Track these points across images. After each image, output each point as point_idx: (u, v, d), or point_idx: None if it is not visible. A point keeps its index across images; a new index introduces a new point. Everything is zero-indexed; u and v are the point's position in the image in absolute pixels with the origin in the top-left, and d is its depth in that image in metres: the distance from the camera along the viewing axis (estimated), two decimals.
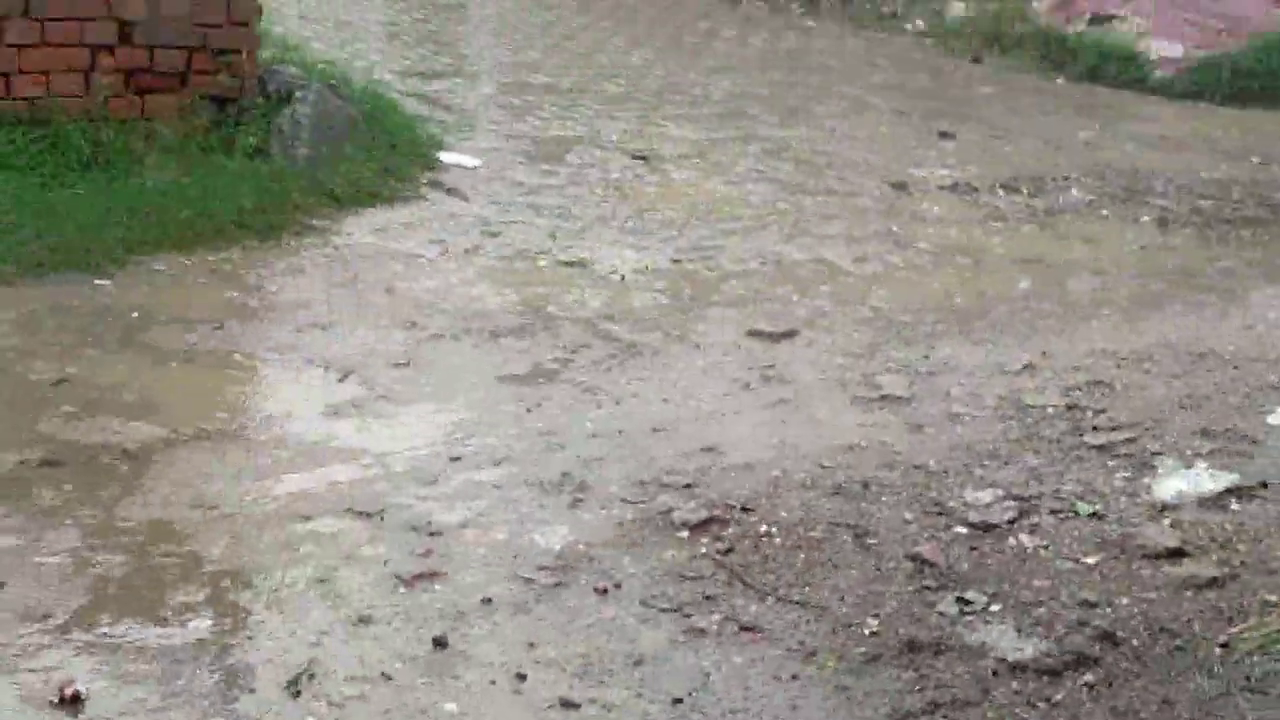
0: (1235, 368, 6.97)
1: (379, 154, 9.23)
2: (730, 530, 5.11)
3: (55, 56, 8.16)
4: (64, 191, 7.79)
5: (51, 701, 3.95)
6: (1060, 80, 15.89)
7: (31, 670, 4.10)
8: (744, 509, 5.27)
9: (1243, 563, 4.94)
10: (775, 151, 11.06)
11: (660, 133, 11.26)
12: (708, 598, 4.67)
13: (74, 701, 3.96)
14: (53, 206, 7.60)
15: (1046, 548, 5.04)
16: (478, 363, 6.60)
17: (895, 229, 9.36)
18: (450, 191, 9.15)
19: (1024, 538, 5.11)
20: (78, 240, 7.35)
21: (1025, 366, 6.90)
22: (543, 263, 8.09)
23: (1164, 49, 15.80)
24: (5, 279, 6.96)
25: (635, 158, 10.34)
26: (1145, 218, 10.18)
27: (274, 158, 8.66)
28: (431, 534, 4.99)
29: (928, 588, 4.75)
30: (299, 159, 8.71)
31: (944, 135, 12.15)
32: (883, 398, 6.45)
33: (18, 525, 4.88)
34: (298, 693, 4.07)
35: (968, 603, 4.62)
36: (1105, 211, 10.30)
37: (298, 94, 8.91)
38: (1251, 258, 9.43)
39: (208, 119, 8.61)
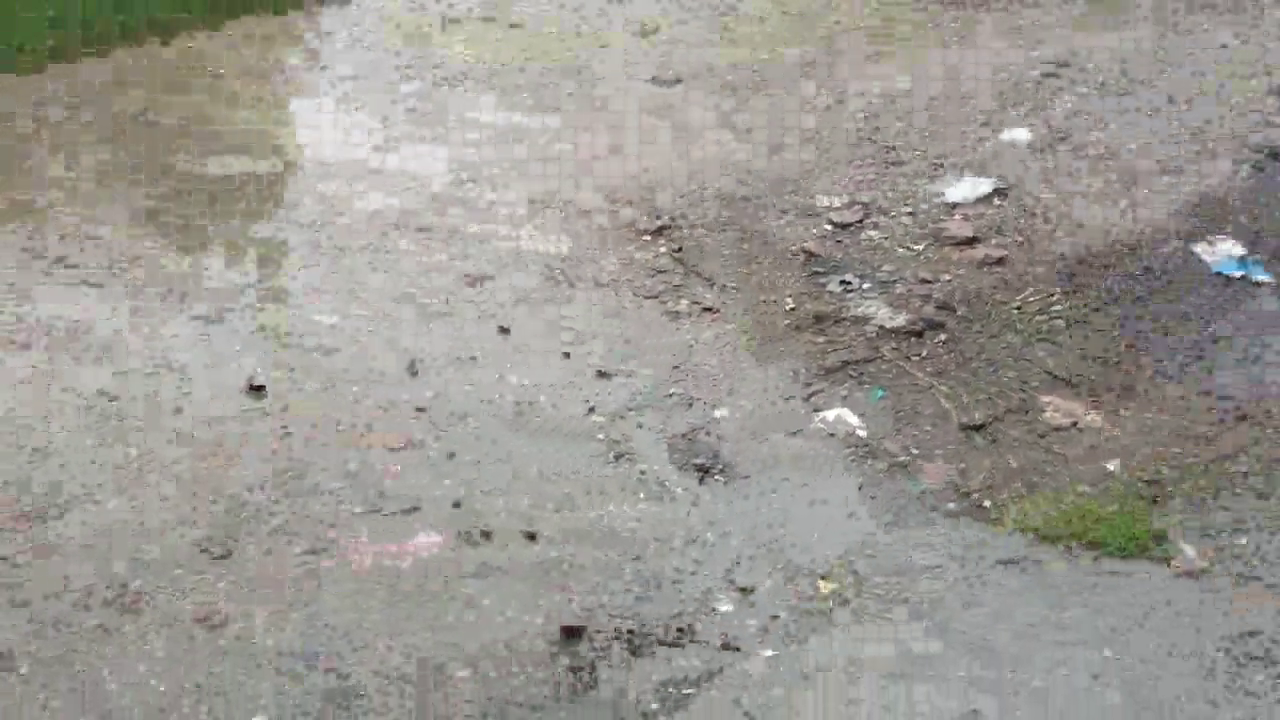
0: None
1: None
2: (677, 234, 7.33)
3: None
4: None
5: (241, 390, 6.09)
6: None
7: None
8: (681, 217, 7.47)
9: (1014, 243, 7.32)
10: None
11: None
12: (675, 287, 6.92)
13: (258, 389, 6.07)
14: None
15: (888, 239, 7.37)
16: None
17: None
18: None
19: (872, 233, 7.45)
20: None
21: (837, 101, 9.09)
22: None
23: None
24: None
25: None
26: None
27: None
28: (480, 243, 7.14)
29: (818, 272, 7.04)
30: None
31: None
32: (747, 130, 8.55)
33: None
34: (415, 373, 6.21)
35: (848, 283, 6.95)
36: None
37: None
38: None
39: None
